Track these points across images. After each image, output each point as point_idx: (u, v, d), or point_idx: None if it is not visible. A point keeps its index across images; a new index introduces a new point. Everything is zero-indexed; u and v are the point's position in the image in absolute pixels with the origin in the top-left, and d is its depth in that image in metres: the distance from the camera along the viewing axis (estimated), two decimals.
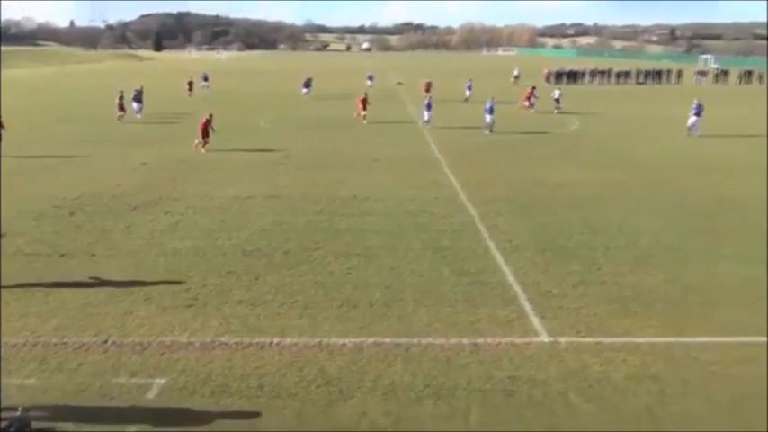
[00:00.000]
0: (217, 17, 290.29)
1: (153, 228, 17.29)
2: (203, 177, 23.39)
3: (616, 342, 11.08)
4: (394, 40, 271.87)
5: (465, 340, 11.06)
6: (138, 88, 42.20)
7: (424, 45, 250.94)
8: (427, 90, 50.54)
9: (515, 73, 74.17)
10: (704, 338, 11.20)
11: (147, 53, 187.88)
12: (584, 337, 11.25)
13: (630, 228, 17.59)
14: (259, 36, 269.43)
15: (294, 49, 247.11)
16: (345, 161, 26.58)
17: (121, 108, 38.27)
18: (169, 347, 10.76)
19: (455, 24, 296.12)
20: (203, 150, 28.44)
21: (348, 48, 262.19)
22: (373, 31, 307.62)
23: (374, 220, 18.15)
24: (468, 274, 14.12)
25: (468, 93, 51.21)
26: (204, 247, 15.79)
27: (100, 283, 13.37)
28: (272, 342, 10.96)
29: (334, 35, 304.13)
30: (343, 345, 10.90)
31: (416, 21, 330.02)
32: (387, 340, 11.05)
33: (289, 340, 11.03)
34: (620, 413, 9.04)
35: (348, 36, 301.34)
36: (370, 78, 61.87)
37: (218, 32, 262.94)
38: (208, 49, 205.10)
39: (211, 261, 14.83)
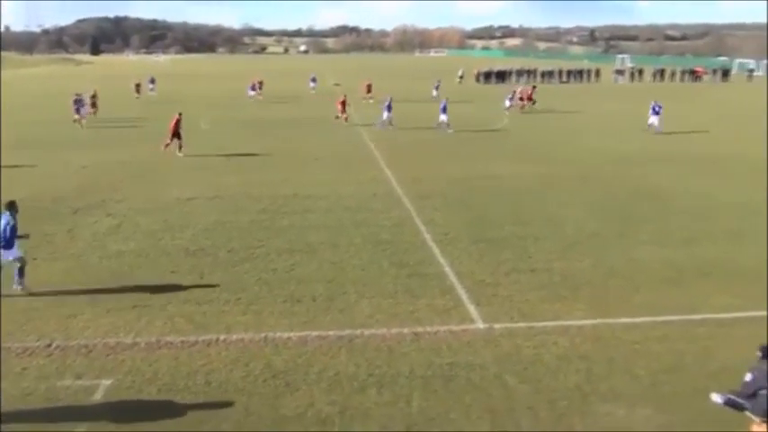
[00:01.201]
0: (155, 21, 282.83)
1: (95, 230, 16.77)
2: (146, 179, 22.80)
3: (547, 326, 11.33)
4: (330, 42, 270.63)
5: (406, 330, 11.13)
6: (92, 93, 40.86)
7: (360, 47, 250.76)
8: (368, 91, 50.53)
9: (460, 73, 75.49)
10: (627, 319, 11.56)
11: (85, 57, 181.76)
12: (517, 322, 11.47)
13: (558, 217, 18.01)
14: (198, 39, 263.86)
15: (232, 52, 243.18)
16: (287, 160, 26.33)
17: (78, 111, 36.56)
18: (114, 349, 10.46)
19: (389, 27, 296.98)
20: (180, 154, 27.08)
21: (286, 50, 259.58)
22: (310, 34, 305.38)
23: (316, 216, 18.06)
24: (407, 266, 14.20)
25: (435, 92, 52.11)
26: (147, 247, 15.40)
27: (43, 286, 12.87)
28: (217, 339, 10.78)
29: (272, 38, 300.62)
30: (288, 339, 10.81)
31: (352, 24, 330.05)
32: (330, 333, 11.02)
33: (234, 336, 10.88)
34: (552, 392, 9.25)
35: (285, 39, 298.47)
36: (314, 80, 61.15)
37: (156, 36, 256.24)
38: (146, 53, 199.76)
39: (155, 261, 14.48)
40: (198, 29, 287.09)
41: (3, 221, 12.11)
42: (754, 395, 8.14)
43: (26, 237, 13.51)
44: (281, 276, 13.57)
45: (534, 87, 49.03)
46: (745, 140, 31.99)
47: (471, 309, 12.01)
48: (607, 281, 13.42)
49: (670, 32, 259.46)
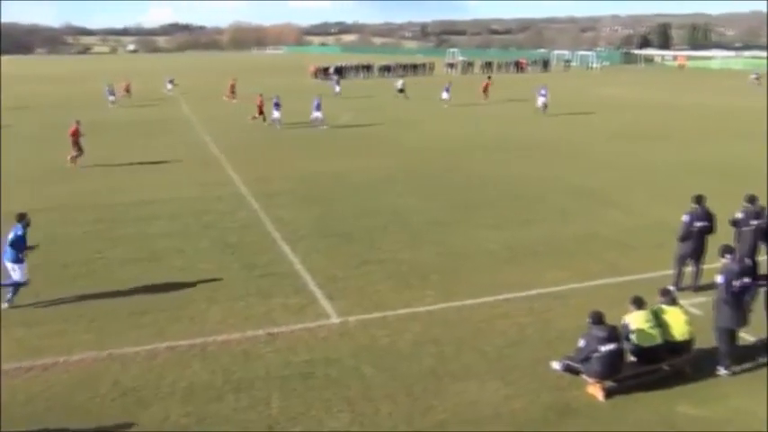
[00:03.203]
0: None
1: None
2: None
3: (399, 314, 11.64)
4: (161, 41, 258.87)
5: (260, 332, 10.97)
6: None
7: (194, 45, 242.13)
8: (231, 91, 49.14)
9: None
10: (472, 300, 12.16)
11: None
12: (371, 313, 11.68)
13: (403, 208, 18.55)
14: (12, 40, 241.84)
15: (53, 53, 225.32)
16: (126, 166, 24.88)
17: None
18: None
19: (223, 24, 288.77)
20: (73, 164, 24.70)
21: (113, 50, 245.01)
22: (138, 32, 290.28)
23: (160, 223, 17.28)
24: (257, 267, 13.99)
25: (337, 88, 51.63)
26: None
27: None
28: (56, 362, 10.00)
29: (97, 37, 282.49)
30: (137, 353, 10.28)
31: (183, 21, 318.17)
32: (182, 343, 10.62)
33: (76, 357, 10.16)
34: (408, 377, 9.53)
35: (111, 38, 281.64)
36: (171, 82, 57.86)
37: None
38: None
39: None
40: (11, 28, 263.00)
41: (14, 233, 12.01)
42: (587, 359, 8.92)
43: (34, 248, 12.63)
44: (125, 288, 12.85)
45: (489, 78, 50.77)
46: (567, 126, 34.68)
47: (325, 304, 12.08)
48: (452, 265, 14.03)
49: (495, 27, 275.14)
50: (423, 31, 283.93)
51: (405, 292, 12.59)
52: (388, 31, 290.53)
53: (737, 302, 9.57)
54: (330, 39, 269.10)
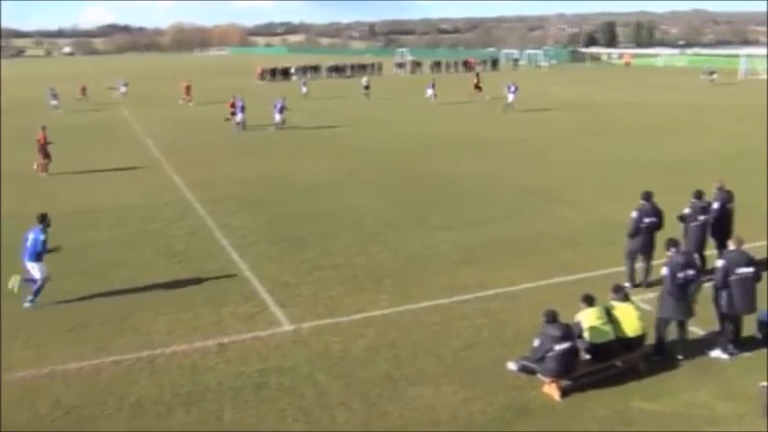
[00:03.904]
0: None
1: None
2: None
3: (353, 319, 11.62)
4: (99, 43, 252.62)
5: (210, 342, 10.80)
6: None
7: (134, 47, 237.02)
8: (187, 93, 48.52)
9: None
10: (427, 303, 12.22)
11: None
12: (324, 319, 11.63)
13: (356, 210, 18.53)
14: None
15: None
16: (62, 174, 24.15)
17: None
18: None
19: (164, 25, 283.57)
20: (43, 174, 23.99)
21: (48, 53, 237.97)
22: (74, 34, 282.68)
23: (101, 233, 16.87)
24: (205, 275, 13.77)
25: (304, 89, 51.49)
26: None
27: None
28: None
29: (31, 39, 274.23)
30: (80, 369, 9.99)
31: (122, 22, 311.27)
32: (127, 356, 10.37)
33: (14, 375, 9.81)
34: (363, 383, 9.51)
35: (46, 40, 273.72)
36: (125, 85, 56.45)
37: None
38: None
39: None
40: None
41: (34, 235, 12.27)
42: (543, 358, 9.06)
43: (57, 250, 12.82)
44: (66, 301, 12.49)
45: (478, 75, 51.73)
46: (519, 124, 35.22)
47: (277, 311, 11.97)
48: (406, 268, 14.07)
49: (443, 26, 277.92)
50: (371, 31, 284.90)
51: (358, 297, 12.57)
52: (335, 31, 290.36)
53: (682, 294, 9.90)
54: (276, 39, 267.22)
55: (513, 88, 40.77)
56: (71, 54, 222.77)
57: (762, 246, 13.90)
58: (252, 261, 14.58)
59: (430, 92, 46.27)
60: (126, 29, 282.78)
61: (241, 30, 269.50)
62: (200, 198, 20.17)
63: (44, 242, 12.27)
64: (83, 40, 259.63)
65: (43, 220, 12.58)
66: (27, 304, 12.23)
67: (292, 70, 76.45)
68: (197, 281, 13.49)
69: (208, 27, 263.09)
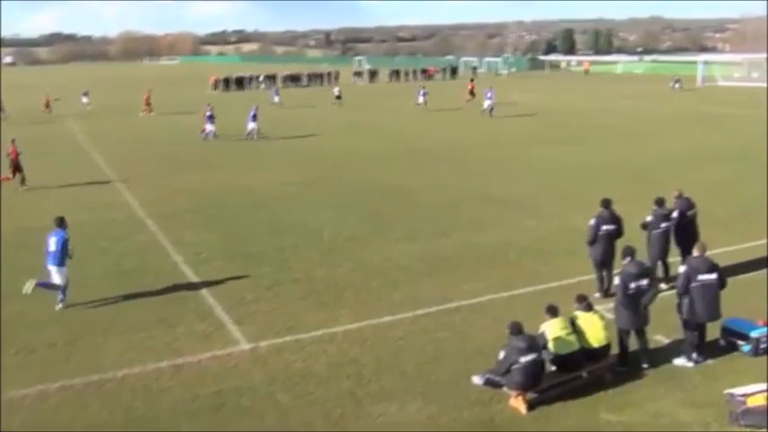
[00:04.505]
0: None
1: None
2: None
3: (314, 335, 11.54)
4: (43, 52, 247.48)
5: (164, 363, 10.61)
6: None
7: (80, 57, 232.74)
8: (147, 103, 47.84)
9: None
10: (389, 317, 12.22)
11: None
12: (283, 336, 11.53)
13: (314, 224, 18.45)
14: None
15: None
16: (10, 190, 23.35)
17: None
18: None
19: (112, 34, 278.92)
20: (22, 188, 23.38)
21: None
22: (15, 43, 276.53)
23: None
24: (158, 294, 13.54)
25: (276, 98, 51.70)
26: None
27: None
28: None
29: None
30: (25, 396, 9.70)
31: (67, 31, 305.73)
32: (76, 381, 10.11)
33: None
34: (325, 402, 9.45)
35: None
36: (86, 95, 55.28)
37: None
38: None
39: None
40: None
41: (57, 237, 12.85)
42: (508, 371, 9.12)
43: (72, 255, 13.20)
44: (8, 325, 12.13)
45: (472, 80, 52.92)
46: (481, 132, 35.57)
47: (234, 330, 11.83)
48: (367, 282, 14.06)
49: (401, 34, 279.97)
50: (327, 39, 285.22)
51: (319, 313, 12.50)
52: (290, 39, 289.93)
53: (634, 305, 10.08)
54: (229, 48, 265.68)
55: (489, 94, 42.34)
56: (12, 64, 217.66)
57: (727, 250, 14.25)
58: (207, 278, 14.39)
59: (421, 99, 47.50)
60: (71, 38, 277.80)
61: (193, 38, 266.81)
62: (152, 213, 19.86)
63: (67, 242, 12.91)
64: (25, 49, 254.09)
65: (62, 222, 13.18)
66: (59, 305, 12.87)
67: (260, 79, 76.14)
68: (149, 300, 13.26)
69: (158, 35, 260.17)
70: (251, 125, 34.72)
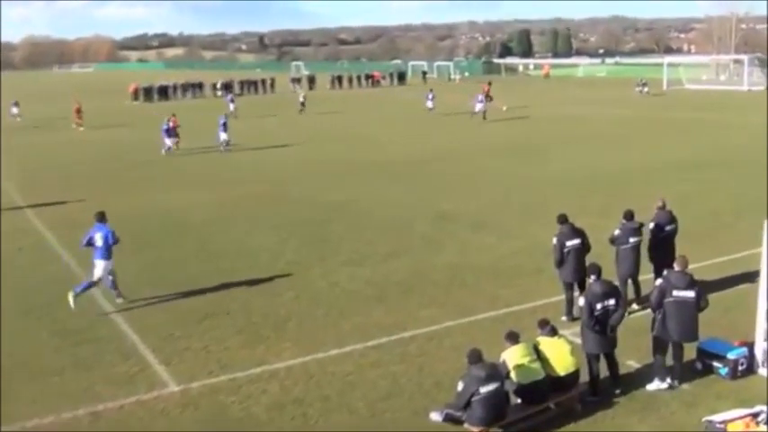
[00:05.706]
0: None
1: None
2: None
3: (253, 373, 11.41)
4: None
5: (81, 411, 10.33)
6: None
7: None
8: (78, 115, 47.73)
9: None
10: (337, 350, 12.15)
11: None
12: (217, 376, 11.36)
13: (249, 248, 18.32)
14: None
15: None
16: None
17: None
18: None
19: (15, 39, 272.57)
20: None
21: None
22: None
23: None
24: (73, 333, 13.20)
25: (231, 106, 51.80)
26: None
27: None
28: None
29: None
30: None
31: None
32: None
33: None
34: None
35: None
36: (16, 105, 53.98)
37: None
38: None
39: None
40: None
41: (103, 231, 14.20)
42: (468, 404, 9.13)
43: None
44: None
45: (489, 83, 54.39)
46: (434, 143, 35.91)
47: (161, 370, 11.61)
48: (311, 311, 13.98)
49: (342, 36, 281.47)
50: (260, 43, 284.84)
51: (257, 348, 12.36)
52: (220, 43, 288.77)
53: (602, 327, 10.19)
54: (151, 53, 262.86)
55: (480, 98, 46.38)
56: None
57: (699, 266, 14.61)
58: (130, 312, 14.12)
59: (430, 104, 51.22)
60: None
61: (109, 43, 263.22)
62: (65, 241, 19.36)
63: (113, 234, 14.20)
64: None
65: (103, 216, 14.51)
66: (119, 299, 14.53)
67: (218, 86, 75.65)
68: (62, 339, 12.92)
69: (69, 40, 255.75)
70: (222, 136, 35.07)
